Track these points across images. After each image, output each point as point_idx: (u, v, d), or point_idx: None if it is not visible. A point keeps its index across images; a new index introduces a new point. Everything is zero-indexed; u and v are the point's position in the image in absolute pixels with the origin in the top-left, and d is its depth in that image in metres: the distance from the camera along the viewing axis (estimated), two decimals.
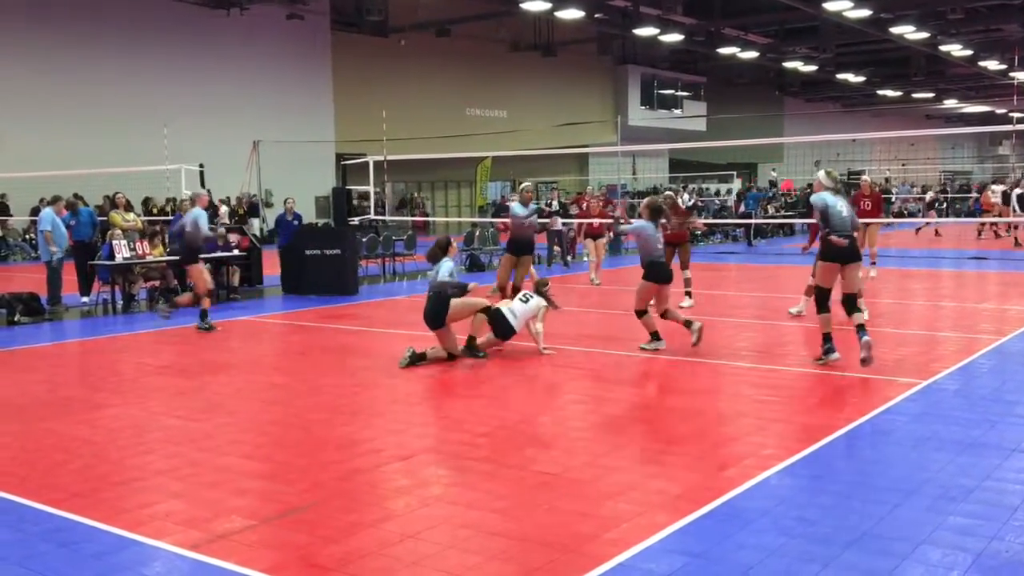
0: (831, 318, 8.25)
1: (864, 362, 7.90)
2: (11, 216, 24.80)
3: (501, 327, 9.14)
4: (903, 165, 47.33)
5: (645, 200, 10.42)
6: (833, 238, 8.03)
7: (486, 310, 9.14)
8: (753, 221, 26.29)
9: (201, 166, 16.92)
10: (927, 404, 7.03)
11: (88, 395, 7.91)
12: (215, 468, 5.66)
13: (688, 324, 9.35)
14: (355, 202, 23.21)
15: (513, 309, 9.24)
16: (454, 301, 8.86)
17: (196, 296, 11.16)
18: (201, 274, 11.15)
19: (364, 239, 17.68)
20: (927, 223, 27.84)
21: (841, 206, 8.13)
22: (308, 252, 15.05)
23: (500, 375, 8.46)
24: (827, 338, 8.26)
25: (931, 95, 52.82)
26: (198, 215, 11.07)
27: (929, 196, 31.38)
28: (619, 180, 29.30)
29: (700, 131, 45.55)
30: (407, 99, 33.88)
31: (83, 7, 26.71)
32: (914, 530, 4.48)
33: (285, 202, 19.62)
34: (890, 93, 51.32)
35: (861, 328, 7.99)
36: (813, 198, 8.40)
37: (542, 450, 6.01)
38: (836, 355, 8.25)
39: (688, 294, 12.44)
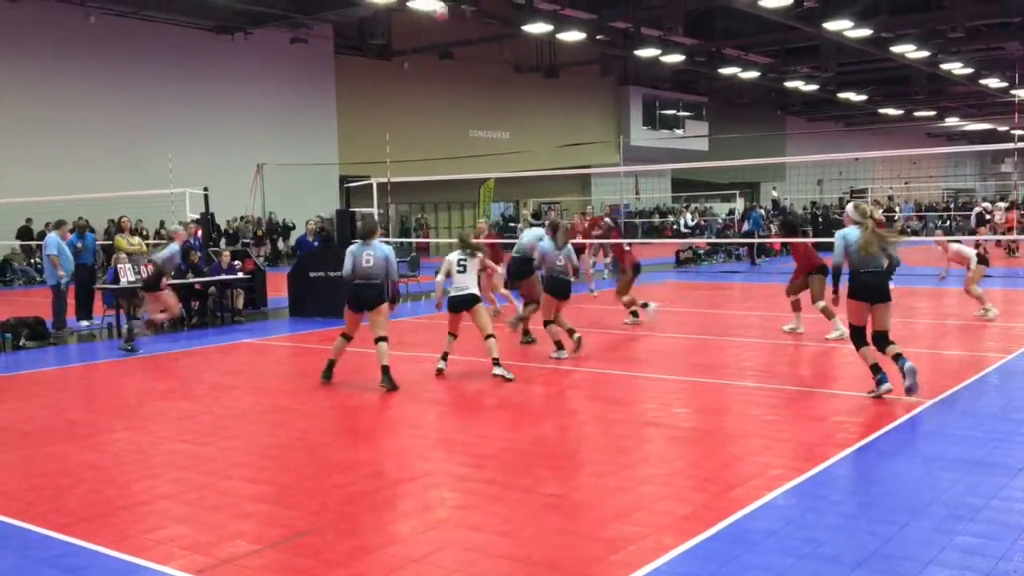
0: (872, 351, 7.72)
1: (909, 391, 7.45)
2: (34, 240, 24.72)
3: (456, 303, 9.26)
4: (906, 183, 47.42)
5: (548, 220, 10.82)
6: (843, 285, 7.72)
7: (384, 338, 8.72)
8: (756, 240, 26.30)
9: (205, 189, 16.99)
10: (933, 423, 7.01)
11: (93, 419, 7.91)
12: (220, 492, 5.66)
13: (572, 332, 10.28)
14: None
15: (456, 284, 9.31)
16: (384, 306, 8.81)
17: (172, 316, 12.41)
18: (170, 298, 12.16)
19: None
20: (985, 240, 27.19)
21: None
22: (312, 274, 15.10)
23: (504, 396, 8.44)
24: (875, 369, 7.66)
25: (932, 113, 53.00)
26: (175, 250, 12.20)
27: (978, 211, 29.52)
28: (622, 200, 29.32)
29: (702, 151, 45.71)
30: (410, 121, 34.06)
31: (88, 35, 26.92)
32: (922, 550, 4.46)
33: (307, 224, 19.77)
34: (891, 112, 51.53)
35: (899, 357, 7.52)
36: (837, 235, 7.87)
37: (547, 471, 6.00)
38: (888, 385, 7.61)
39: (634, 313, 12.94)
